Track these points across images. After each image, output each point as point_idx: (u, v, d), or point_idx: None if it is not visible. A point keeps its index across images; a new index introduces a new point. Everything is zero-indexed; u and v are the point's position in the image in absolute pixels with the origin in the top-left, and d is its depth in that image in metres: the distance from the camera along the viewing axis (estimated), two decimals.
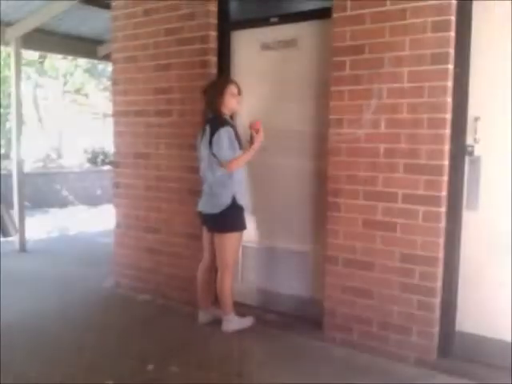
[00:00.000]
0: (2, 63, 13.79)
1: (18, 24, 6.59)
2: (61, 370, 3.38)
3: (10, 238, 5.15)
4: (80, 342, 3.80)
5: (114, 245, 5.23)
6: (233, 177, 3.82)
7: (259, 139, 3.84)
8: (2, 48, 11.97)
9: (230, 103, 3.88)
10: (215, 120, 3.83)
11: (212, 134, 3.75)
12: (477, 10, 3.26)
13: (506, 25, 3.17)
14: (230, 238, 3.88)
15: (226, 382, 3.25)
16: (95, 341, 3.84)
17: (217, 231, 3.92)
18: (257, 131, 3.84)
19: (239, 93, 3.93)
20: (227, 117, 3.90)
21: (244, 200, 3.89)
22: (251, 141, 3.86)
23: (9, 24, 6.62)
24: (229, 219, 3.85)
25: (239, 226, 3.91)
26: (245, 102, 4.09)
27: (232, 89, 3.88)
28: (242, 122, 4.13)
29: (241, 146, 3.84)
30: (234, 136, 3.79)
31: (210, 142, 3.76)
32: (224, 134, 3.73)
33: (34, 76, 16.01)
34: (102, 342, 3.83)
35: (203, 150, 3.87)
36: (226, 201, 3.80)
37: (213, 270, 4.12)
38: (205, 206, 3.95)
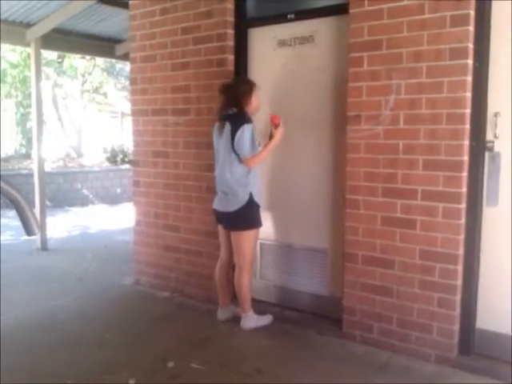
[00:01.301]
0: (23, 64, 13.98)
1: (37, 25, 6.66)
2: (82, 367, 3.42)
3: (33, 237, 5.23)
4: (101, 339, 3.84)
5: (133, 243, 5.27)
6: (250, 174, 3.82)
7: (279, 134, 3.84)
8: (23, 49, 12.18)
9: (256, 104, 3.90)
10: (238, 116, 3.81)
11: (234, 130, 3.74)
12: (496, 3, 3.21)
13: None
14: (248, 236, 3.89)
15: (246, 379, 3.26)
16: (116, 338, 3.87)
17: (234, 229, 3.93)
18: (276, 126, 3.84)
19: None
20: (249, 115, 3.89)
21: (259, 197, 3.90)
22: (271, 137, 3.86)
23: (28, 25, 6.70)
24: (245, 217, 3.85)
25: (256, 223, 3.92)
26: (262, 99, 4.08)
27: (257, 91, 3.91)
28: (260, 118, 4.10)
29: (259, 144, 3.84)
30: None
31: (232, 139, 3.75)
32: (248, 129, 3.73)
33: (52, 76, 16.18)
34: (122, 339, 3.86)
35: (222, 147, 3.87)
36: (243, 198, 3.80)
37: (230, 268, 4.13)
38: (221, 204, 3.95)
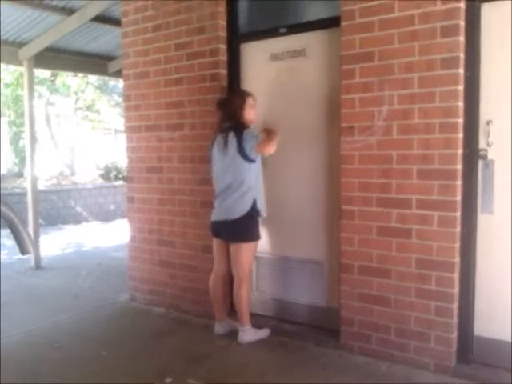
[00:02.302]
0: (15, 82, 13.99)
1: (30, 44, 6.69)
2: None
3: (27, 256, 5.21)
4: (97, 356, 3.80)
5: (128, 259, 5.25)
6: (257, 181, 3.87)
7: (273, 132, 3.88)
8: (15, 68, 12.22)
9: (250, 114, 3.97)
10: (238, 127, 3.87)
11: (240, 137, 3.80)
12: (485, 13, 3.26)
13: None
14: (248, 248, 3.89)
15: None
16: (112, 355, 3.83)
17: (234, 241, 3.92)
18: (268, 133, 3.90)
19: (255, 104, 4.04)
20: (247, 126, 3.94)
21: (262, 204, 3.92)
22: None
23: (21, 44, 6.72)
24: (246, 229, 3.87)
25: (256, 235, 3.93)
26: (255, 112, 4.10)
27: (251, 101, 3.98)
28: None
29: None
30: None
31: (240, 144, 3.79)
32: (249, 132, 3.84)
33: (45, 94, 16.19)
34: (119, 356, 3.83)
35: (228, 156, 3.87)
36: (248, 204, 3.82)
37: (227, 281, 4.12)
38: (223, 213, 3.93)
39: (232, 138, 3.84)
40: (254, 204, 3.84)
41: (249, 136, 3.81)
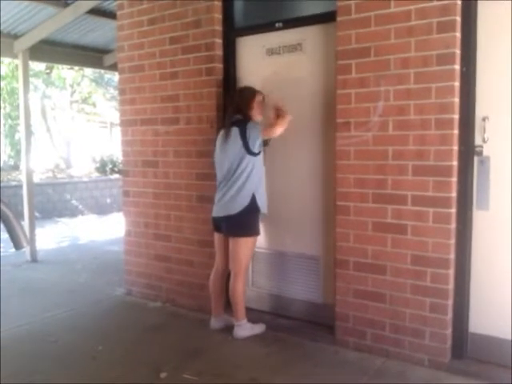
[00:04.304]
0: (10, 75, 13.92)
1: (25, 36, 6.65)
2: (75, 379, 3.38)
3: (21, 250, 5.20)
4: (93, 350, 3.80)
5: (124, 253, 5.24)
6: (257, 176, 3.84)
7: (285, 114, 3.85)
8: (10, 60, 12.15)
9: (257, 111, 3.95)
10: (243, 120, 3.86)
11: (244, 131, 3.77)
12: (482, 9, 3.25)
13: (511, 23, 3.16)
14: (246, 243, 3.88)
15: None
16: (108, 349, 3.84)
17: (234, 235, 3.91)
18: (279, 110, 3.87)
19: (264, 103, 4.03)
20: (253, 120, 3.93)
21: (262, 200, 3.90)
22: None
23: (16, 36, 6.68)
24: (245, 223, 3.86)
25: (255, 230, 3.92)
26: None
27: (260, 97, 3.98)
28: None
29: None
30: None
31: (244, 138, 3.76)
32: (255, 124, 3.83)
33: (41, 87, 16.12)
34: (114, 350, 3.83)
35: (229, 151, 3.85)
36: (246, 199, 3.80)
37: (225, 276, 4.12)
38: (223, 209, 3.92)
39: (236, 131, 3.81)
40: (253, 199, 3.82)
41: (252, 127, 3.79)
